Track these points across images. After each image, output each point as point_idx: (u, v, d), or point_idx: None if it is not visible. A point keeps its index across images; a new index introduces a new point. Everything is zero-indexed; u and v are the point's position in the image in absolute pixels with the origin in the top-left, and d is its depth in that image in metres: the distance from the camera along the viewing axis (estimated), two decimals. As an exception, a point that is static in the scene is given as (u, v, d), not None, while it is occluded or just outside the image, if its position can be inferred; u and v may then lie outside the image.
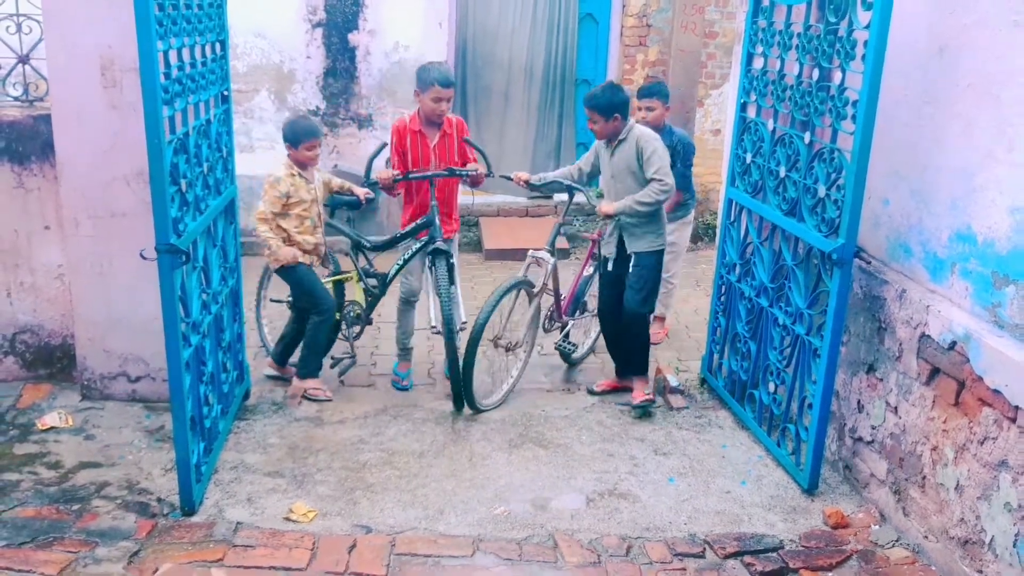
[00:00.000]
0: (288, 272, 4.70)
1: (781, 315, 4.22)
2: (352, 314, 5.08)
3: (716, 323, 5.01)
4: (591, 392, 5.08)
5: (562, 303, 5.13)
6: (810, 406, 3.97)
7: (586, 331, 5.54)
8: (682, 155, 5.33)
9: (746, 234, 4.66)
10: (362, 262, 5.08)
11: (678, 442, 4.50)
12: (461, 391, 4.61)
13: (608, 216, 4.60)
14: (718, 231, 5.11)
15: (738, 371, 4.71)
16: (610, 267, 4.83)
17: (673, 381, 5.08)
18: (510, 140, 8.54)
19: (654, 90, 5.26)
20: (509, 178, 4.96)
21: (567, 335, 5.29)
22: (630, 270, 4.71)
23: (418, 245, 4.80)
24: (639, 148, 4.49)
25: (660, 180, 4.45)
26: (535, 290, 4.83)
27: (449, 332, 4.55)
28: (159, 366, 4.47)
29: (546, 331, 5.24)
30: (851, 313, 3.97)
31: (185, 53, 3.60)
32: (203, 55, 3.88)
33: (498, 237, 8.01)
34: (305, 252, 4.72)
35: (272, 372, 5.09)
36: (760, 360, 4.46)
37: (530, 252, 4.86)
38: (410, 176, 4.73)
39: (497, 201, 8.29)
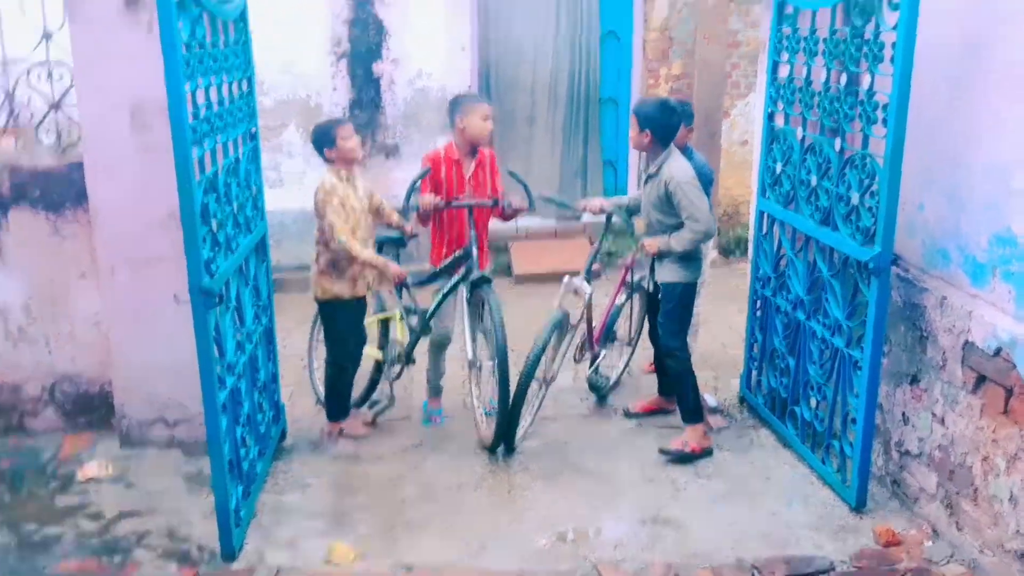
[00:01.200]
0: (332, 308, 4.53)
1: (819, 328, 4.16)
2: (394, 353, 5.00)
3: (753, 339, 4.94)
4: (627, 414, 5.02)
5: (594, 333, 5.03)
6: (853, 421, 3.90)
7: (614, 365, 5.41)
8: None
9: (779, 246, 4.61)
10: (405, 299, 5.01)
11: (720, 464, 4.44)
12: (506, 432, 4.48)
13: (650, 255, 4.51)
14: (750, 244, 5.07)
15: (778, 388, 4.64)
16: (650, 289, 4.75)
17: (711, 401, 5.02)
18: (536, 162, 8.53)
19: None
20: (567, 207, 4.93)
21: (597, 368, 5.17)
22: (660, 300, 4.58)
23: (451, 284, 4.70)
24: (668, 190, 4.31)
25: (691, 227, 4.29)
26: (573, 322, 4.73)
27: (503, 367, 4.35)
28: (197, 410, 4.44)
29: (576, 361, 5.16)
30: (891, 323, 3.90)
31: (212, 92, 3.63)
32: (230, 93, 3.91)
33: (528, 261, 7.99)
34: (355, 280, 4.51)
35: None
36: (800, 375, 4.39)
37: (565, 280, 4.75)
38: (452, 204, 4.65)
39: (525, 225, 8.28)
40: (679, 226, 4.38)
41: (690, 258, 4.46)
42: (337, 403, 4.79)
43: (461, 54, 7.79)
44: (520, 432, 4.60)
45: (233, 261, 3.75)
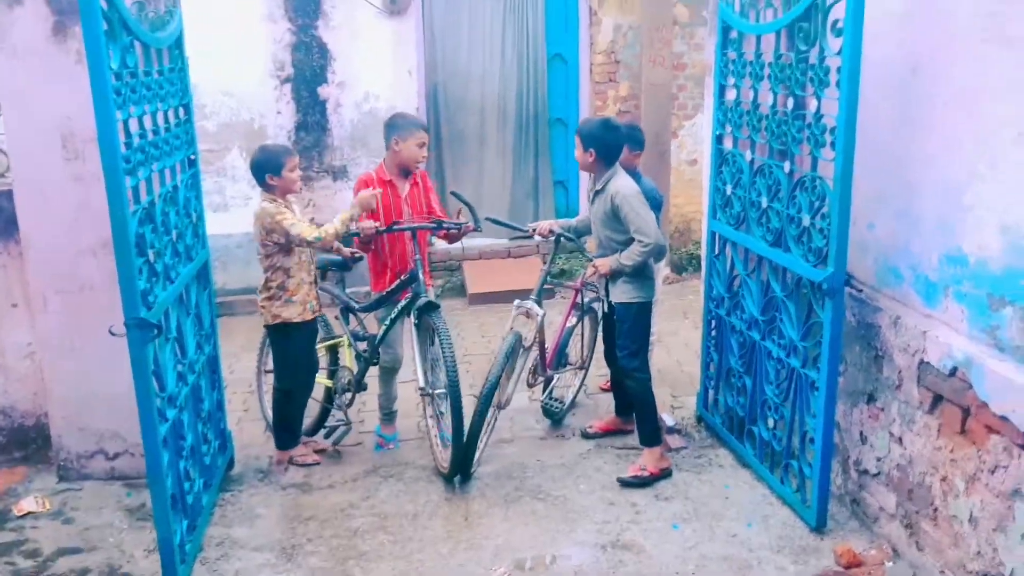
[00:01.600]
0: (282, 332, 4.37)
1: (775, 348, 4.12)
2: (344, 380, 4.85)
3: (709, 358, 4.90)
4: (585, 435, 4.93)
5: (547, 356, 4.91)
6: (811, 441, 3.86)
7: (568, 385, 5.32)
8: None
9: (732, 267, 4.57)
10: (353, 324, 4.89)
11: (679, 485, 4.37)
12: (463, 461, 4.33)
13: (602, 276, 4.42)
14: (703, 264, 5.02)
15: (735, 407, 4.59)
16: (605, 310, 4.65)
17: (669, 421, 4.95)
18: (487, 182, 8.48)
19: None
20: (517, 229, 4.78)
21: (551, 392, 5.06)
22: (615, 321, 4.49)
23: (398, 309, 4.58)
24: (615, 205, 4.24)
25: (640, 241, 4.19)
26: (526, 344, 4.61)
27: (456, 395, 4.21)
28: (138, 441, 4.27)
29: (530, 386, 5.06)
30: (846, 342, 3.87)
31: (147, 120, 3.50)
32: (166, 121, 3.79)
33: (482, 281, 7.90)
34: (304, 303, 4.38)
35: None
36: (757, 395, 4.35)
37: (516, 303, 4.63)
38: (394, 228, 4.53)
39: (478, 244, 8.19)
40: (629, 242, 4.30)
41: (643, 277, 4.39)
42: (287, 431, 4.64)
43: (408, 77, 7.77)
44: (476, 456, 4.46)
45: (173, 291, 3.62)
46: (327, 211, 7.74)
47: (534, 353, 4.82)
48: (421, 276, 4.50)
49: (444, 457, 4.44)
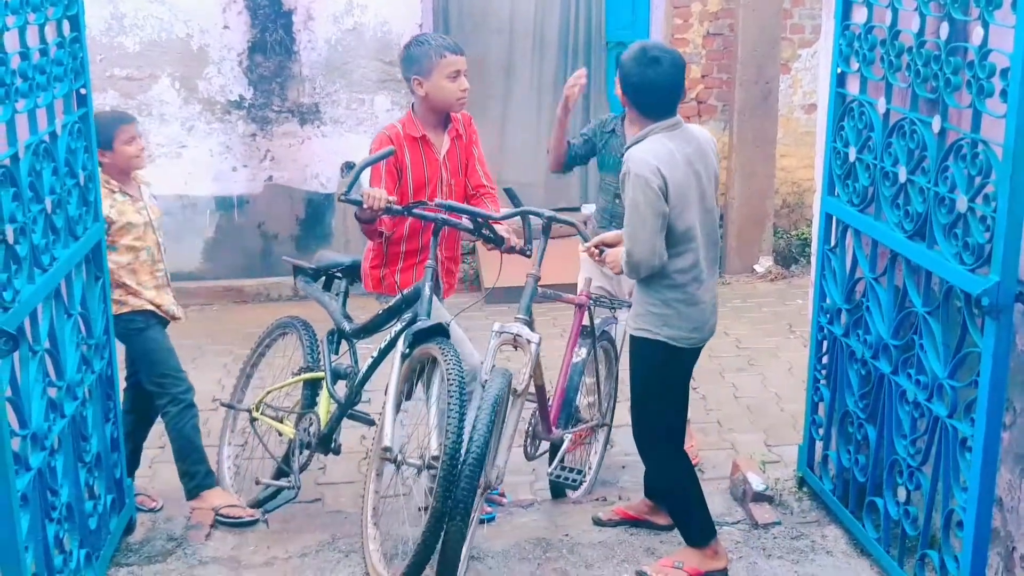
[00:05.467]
0: (131, 333, 4.66)
1: (910, 387, 4.02)
2: (309, 430, 4.73)
3: (817, 396, 4.86)
4: (597, 522, 4.70)
5: (548, 409, 4.66)
6: (960, 524, 3.75)
7: (588, 448, 5.16)
8: None
9: (853, 265, 4.51)
10: (341, 355, 4.84)
11: (767, 578, 4.32)
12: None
13: (615, 271, 4.28)
14: (813, 258, 5.01)
15: (852, 468, 4.52)
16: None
17: (757, 484, 4.88)
18: (516, 132, 8.60)
19: None
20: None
21: (562, 458, 4.88)
22: None
23: (394, 332, 4.40)
24: (622, 182, 4.01)
25: (625, 248, 3.96)
26: (519, 389, 4.29)
27: (447, 474, 3.83)
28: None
29: (529, 458, 4.86)
30: (1016, 382, 3.75)
31: (7, 39, 3.43)
32: (41, 40, 3.76)
33: (505, 269, 7.78)
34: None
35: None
36: (883, 453, 4.26)
37: (497, 328, 4.34)
38: (413, 211, 4.39)
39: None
40: None
41: (662, 296, 4.04)
42: (199, 465, 4.77)
43: (408, -20, 7.89)
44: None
45: (44, 283, 3.59)
46: (291, 166, 7.80)
47: (530, 404, 4.58)
48: (427, 291, 4.31)
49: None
